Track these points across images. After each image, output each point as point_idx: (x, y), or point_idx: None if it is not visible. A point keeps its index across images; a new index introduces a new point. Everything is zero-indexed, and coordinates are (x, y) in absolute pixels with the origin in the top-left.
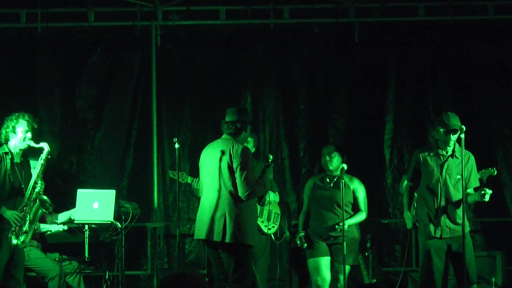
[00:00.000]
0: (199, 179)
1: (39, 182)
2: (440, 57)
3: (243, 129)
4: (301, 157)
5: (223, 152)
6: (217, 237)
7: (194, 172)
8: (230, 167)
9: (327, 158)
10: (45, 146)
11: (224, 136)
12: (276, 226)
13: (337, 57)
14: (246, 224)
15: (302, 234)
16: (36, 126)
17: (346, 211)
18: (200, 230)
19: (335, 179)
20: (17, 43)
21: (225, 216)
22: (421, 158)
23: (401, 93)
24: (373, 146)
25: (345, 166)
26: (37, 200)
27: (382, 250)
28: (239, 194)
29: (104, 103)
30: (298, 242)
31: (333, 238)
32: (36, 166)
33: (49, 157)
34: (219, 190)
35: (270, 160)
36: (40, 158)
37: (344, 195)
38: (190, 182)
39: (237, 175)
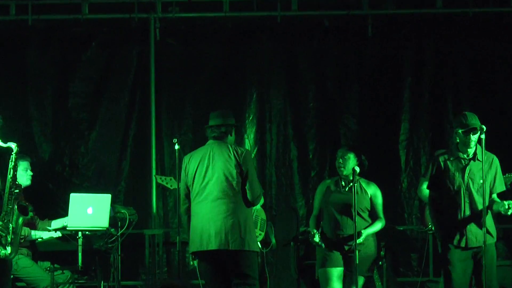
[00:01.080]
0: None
1: (14, 186)
2: (460, 52)
3: (228, 133)
4: (310, 159)
5: (225, 157)
6: (233, 245)
7: None
8: (240, 173)
9: (340, 160)
10: (12, 145)
11: (211, 141)
12: (262, 234)
13: (349, 52)
14: (253, 230)
15: (317, 233)
16: (1, 123)
17: (363, 217)
18: (206, 241)
19: (351, 184)
20: (6, 37)
21: (239, 223)
22: (442, 163)
23: (418, 91)
24: (387, 148)
25: (357, 168)
26: (15, 207)
27: (397, 259)
28: (250, 199)
29: (99, 101)
30: (316, 241)
31: (348, 247)
32: (9, 170)
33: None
34: (227, 197)
35: None
36: (10, 160)
37: (361, 200)
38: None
39: (248, 180)
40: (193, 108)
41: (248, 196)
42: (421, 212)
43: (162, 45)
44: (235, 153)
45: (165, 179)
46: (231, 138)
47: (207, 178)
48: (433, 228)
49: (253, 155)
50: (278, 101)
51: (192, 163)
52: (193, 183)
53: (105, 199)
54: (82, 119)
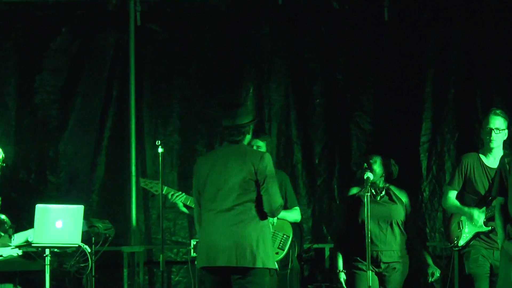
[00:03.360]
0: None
1: None
2: (491, 40)
3: (241, 134)
4: (316, 164)
5: (240, 162)
6: (246, 262)
7: (184, 184)
8: (256, 180)
9: (365, 165)
10: None
11: (225, 143)
12: (283, 252)
13: (362, 39)
14: (269, 244)
15: (342, 273)
16: None
17: (402, 231)
18: (213, 256)
19: (383, 192)
20: None
21: (251, 237)
22: (507, 165)
23: (442, 85)
24: (406, 151)
25: (370, 176)
26: None
27: (417, 280)
28: (267, 211)
29: (71, 97)
30: (341, 282)
31: (384, 265)
32: None
33: (4, 164)
34: (239, 207)
35: None
36: None
37: (399, 211)
38: (164, 194)
39: (267, 188)
40: (180, 105)
41: (265, 206)
42: (445, 225)
43: (143, 31)
44: (251, 157)
45: (150, 182)
46: (248, 136)
47: (218, 185)
48: (459, 244)
49: None
50: (279, 97)
51: (204, 166)
52: (204, 189)
53: (77, 211)
54: (50, 118)
